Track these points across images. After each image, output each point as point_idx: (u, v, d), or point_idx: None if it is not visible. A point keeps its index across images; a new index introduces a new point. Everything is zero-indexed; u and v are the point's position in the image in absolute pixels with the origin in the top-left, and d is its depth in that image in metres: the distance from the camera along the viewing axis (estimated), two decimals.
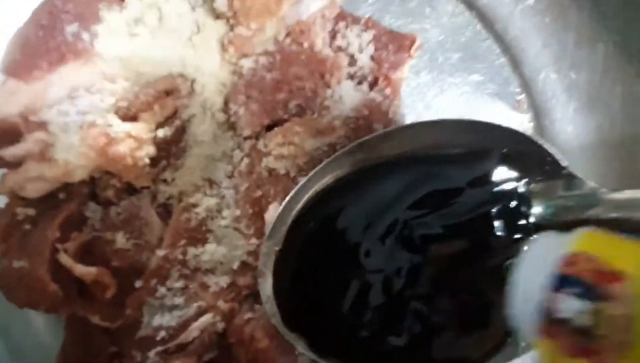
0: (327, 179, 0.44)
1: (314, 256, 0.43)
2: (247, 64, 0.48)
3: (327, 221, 0.43)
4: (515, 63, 0.60)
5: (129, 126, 0.44)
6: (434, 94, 0.59)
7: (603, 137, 0.57)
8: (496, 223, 0.44)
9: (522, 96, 0.60)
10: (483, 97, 0.60)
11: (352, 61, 0.52)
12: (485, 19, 0.60)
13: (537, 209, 0.44)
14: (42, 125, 0.44)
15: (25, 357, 0.49)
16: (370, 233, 0.42)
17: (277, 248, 0.44)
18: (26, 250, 0.43)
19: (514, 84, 0.60)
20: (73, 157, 0.43)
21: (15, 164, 0.45)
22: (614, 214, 0.41)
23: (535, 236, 0.41)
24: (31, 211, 0.45)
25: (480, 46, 0.61)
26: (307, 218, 0.43)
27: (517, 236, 0.44)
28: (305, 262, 0.43)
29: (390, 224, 0.42)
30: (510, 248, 0.43)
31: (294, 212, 0.43)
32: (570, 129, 0.59)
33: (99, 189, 0.47)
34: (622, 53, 0.56)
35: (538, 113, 0.60)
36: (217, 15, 0.49)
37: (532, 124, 0.60)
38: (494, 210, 0.44)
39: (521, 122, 0.61)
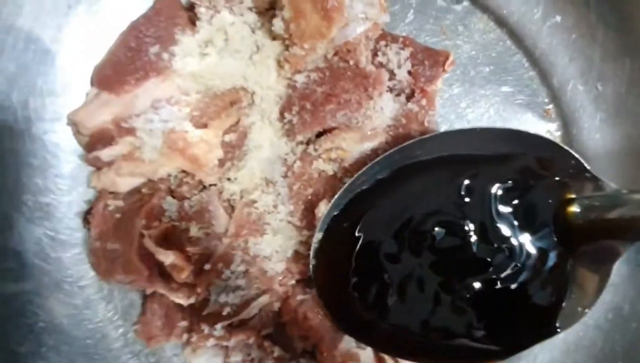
0: (369, 180, 0.50)
1: (348, 247, 0.49)
2: (300, 79, 0.55)
3: (361, 216, 0.48)
4: (544, 76, 0.64)
5: (202, 132, 0.52)
6: (466, 105, 0.65)
7: (630, 145, 0.61)
8: (523, 222, 0.48)
9: (550, 106, 0.64)
10: (513, 108, 0.65)
11: (392, 76, 0.58)
12: (515, 35, 0.65)
13: (576, 209, 0.48)
14: (131, 131, 0.53)
15: None
16: (399, 228, 0.47)
17: (318, 238, 0.50)
18: (118, 235, 0.51)
19: (542, 95, 0.65)
20: (157, 157, 0.52)
21: (107, 164, 0.54)
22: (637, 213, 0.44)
23: None
24: (120, 203, 0.54)
25: (510, 60, 0.66)
26: (348, 214, 0.49)
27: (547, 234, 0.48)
28: (340, 252, 0.49)
29: (420, 221, 0.47)
30: (541, 247, 0.48)
31: (339, 208, 0.49)
32: (597, 137, 0.62)
33: (175, 186, 0.55)
34: None
35: (566, 122, 0.64)
36: (274, 37, 0.57)
37: (559, 133, 0.64)
38: (521, 209, 0.49)
39: (549, 131, 0.65)
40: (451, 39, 0.66)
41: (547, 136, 0.63)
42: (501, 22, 0.65)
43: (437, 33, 0.66)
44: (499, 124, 0.64)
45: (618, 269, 0.58)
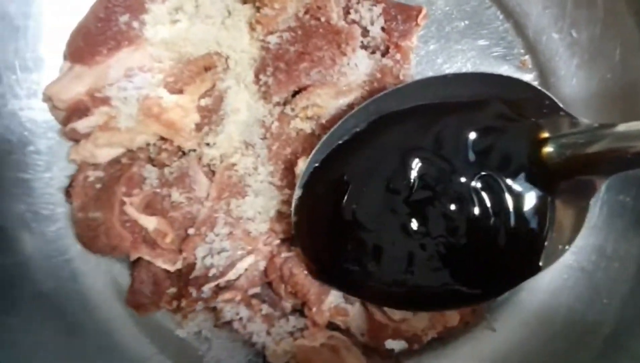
0: (346, 133, 0.50)
1: (329, 200, 0.49)
2: (273, 40, 0.55)
3: (340, 169, 0.49)
4: (519, 27, 0.64)
5: (176, 97, 0.52)
6: (442, 61, 0.65)
7: (606, 89, 0.61)
8: (499, 166, 0.49)
9: (527, 57, 0.64)
10: (489, 61, 0.65)
11: (365, 33, 0.58)
12: None
13: (551, 148, 0.48)
14: (106, 100, 0.53)
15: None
16: (378, 177, 0.48)
17: (298, 194, 0.50)
18: (99, 204, 0.52)
19: (518, 46, 0.65)
20: (133, 124, 0.52)
21: (84, 136, 0.54)
22: (616, 145, 0.45)
23: None
24: (100, 174, 0.54)
25: (484, 13, 0.65)
26: (327, 168, 0.49)
27: (524, 176, 0.49)
28: (321, 205, 0.49)
29: (398, 168, 0.47)
30: (519, 189, 0.48)
31: (317, 163, 0.49)
32: (574, 84, 0.62)
33: (155, 154, 0.55)
34: (620, 6, 0.59)
35: (543, 72, 0.64)
36: (245, 1, 0.57)
37: (537, 83, 0.64)
38: (499, 152, 0.49)
39: (527, 80, 0.65)
40: None
41: None
42: None
43: None
44: None
45: (600, 211, 0.60)
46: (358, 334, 0.55)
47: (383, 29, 0.58)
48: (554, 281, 0.58)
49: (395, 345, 0.53)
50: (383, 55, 0.58)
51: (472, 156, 0.48)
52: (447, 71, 0.64)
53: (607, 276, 0.56)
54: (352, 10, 0.58)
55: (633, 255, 0.55)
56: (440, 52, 0.65)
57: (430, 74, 0.64)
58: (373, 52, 0.59)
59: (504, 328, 0.57)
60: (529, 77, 0.64)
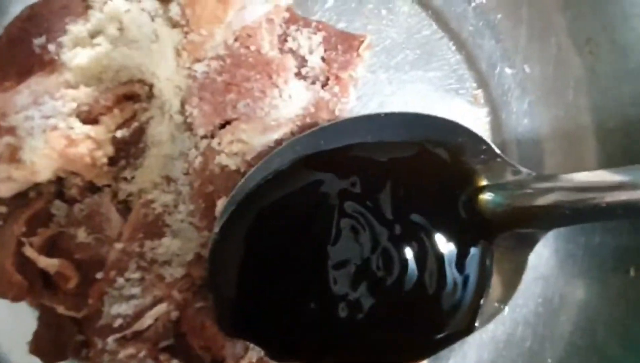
0: (268, 173, 0.46)
1: (251, 244, 0.45)
2: (200, 68, 0.51)
3: (259, 211, 0.45)
4: (471, 60, 0.61)
5: (88, 128, 0.48)
6: (390, 92, 0.61)
7: (558, 128, 0.58)
8: (433, 213, 0.45)
9: (479, 91, 0.61)
10: (440, 94, 0.62)
11: (303, 62, 0.54)
12: (441, 19, 0.62)
13: (488, 197, 0.45)
14: (11, 130, 0.48)
15: None
16: (299, 223, 0.44)
17: (213, 239, 0.46)
18: None
19: (470, 80, 0.61)
20: (38, 158, 0.47)
21: None
22: (562, 199, 0.41)
23: None
24: (3, 209, 0.49)
25: (436, 44, 0.62)
26: (245, 210, 0.45)
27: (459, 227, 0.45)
28: (238, 251, 0.45)
29: (321, 214, 0.44)
30: (453, 243, 0.45)
31: (235, 205, 0.45)
32: (526, 122, 0.59)
33: (65, 189, 0.50)
34: (573, 44, 0.56)
35: (495, 107, 0.61)
36: (174, 25, 0.53)
37: (489, 119, 0.61)
38: (431, 200, 0.45)
39: (478, 116, 0.62)
40: (374, 24, 0.62)
41: (476, 122, 0.60)
42: (426, 4, 0.62)
43: (359, 17, 0.62)
44: (426, 111, 0.59)
45: (547, 260, 0.56)
46: None
47: (323, 58, 0.55)
48: (498, 335, 0.54)
49: None
50: (323, 86, 0.55)
51: (401, 204, 0.44)
52: (395, 103, 0.61)
53: (554, 332, 0.52)
54: (289, 38, 0.55)
55: (580, 305, 0.51)
56: (388, 83, 0.61)
57: (375, 105, 0.61)
58: (313, 83, 0.55)
59: None
60: (481, 112, 0.61)
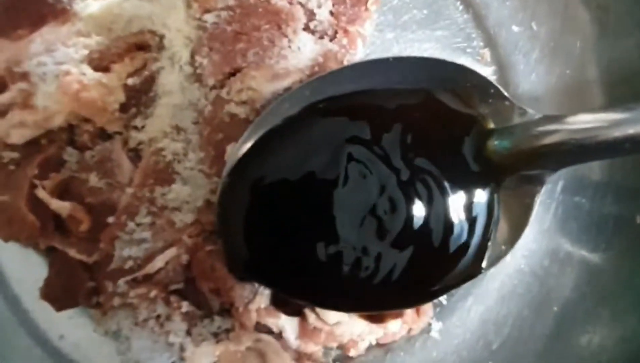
0: (277, 118, 0.46)
1: (259, 188, 0.45)
2: (210, 18, 0.52)
3: (269, 157, 0.45)
4: (478, 18, 0.61)
5: (100, 75, 0.49)
6: (398, 51, 0.61)
7: (565, 84, 0.58)
8: (442, 158, 0.45)
9: (486, 50, 0.61)
10: (447, 53, 0.62)
11: (312, 16, 0.55)
12: None
13: (496, 140, 0.45)
14: (25, 76, 0.49)
15: None
16: (308, 168, 0.44)
17: (224, 183, 0.46)
18: (8, 187, 0.47)
19: (477, 39, 0.61)
20: (51, 103, 0.48)
21: (1, 114, 0.50)
22: (568, 137, 0.41)
23: None
24: (15, 155, 0.50)
25: (443, 3, 0.62)
26: (255, 155, 0.46)
27: (467, 171, 0.45)
28: (247, 196, 0.45)
29: (329, 159, 0.44)
30: (461, 186, 0.45)
31: (244, 149, 0.46)
32: (533, 79, 0.59)
33: (77, 136, 0.51)
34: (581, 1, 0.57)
35: (502, 66, 0.61)
36: None
37: (495, 77, 0.61)
38: (439, 145, 0.46)
39: (485, 75, 0.62)
40: None
41: None
42: None
43: None
44: None
45: (554, 213, 0.57)
46: (291, 338, 0.51)
47: (331, 12, 0.56)
48: (503, 287, 0.54)
49: None
50: (331, 40, 0.55)
51: (409, 150, 0.44)
52: None
53: (559, 282, 0.52)
54: None
55: (587, 259, 0.51)
56: (395, 42, 0.61)
57: None
58: (321, 37, 0.56)
59: (450, 336, 0.53)
60: (487, 70, 0.61)
